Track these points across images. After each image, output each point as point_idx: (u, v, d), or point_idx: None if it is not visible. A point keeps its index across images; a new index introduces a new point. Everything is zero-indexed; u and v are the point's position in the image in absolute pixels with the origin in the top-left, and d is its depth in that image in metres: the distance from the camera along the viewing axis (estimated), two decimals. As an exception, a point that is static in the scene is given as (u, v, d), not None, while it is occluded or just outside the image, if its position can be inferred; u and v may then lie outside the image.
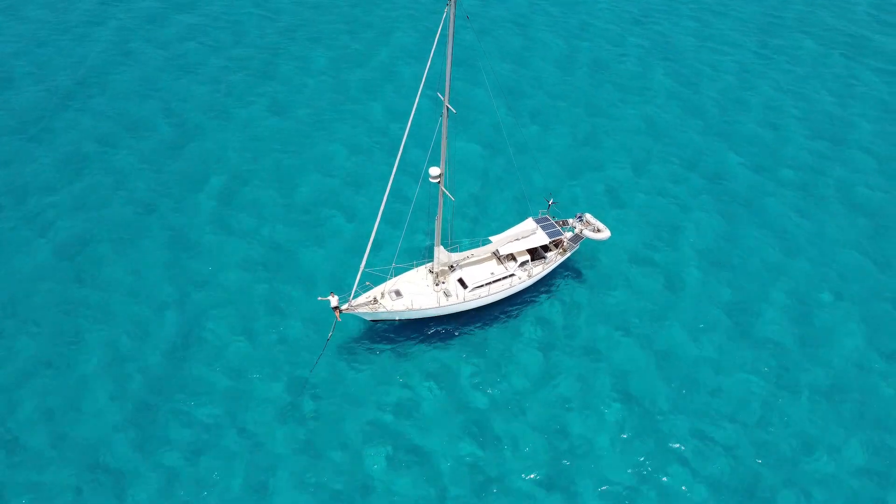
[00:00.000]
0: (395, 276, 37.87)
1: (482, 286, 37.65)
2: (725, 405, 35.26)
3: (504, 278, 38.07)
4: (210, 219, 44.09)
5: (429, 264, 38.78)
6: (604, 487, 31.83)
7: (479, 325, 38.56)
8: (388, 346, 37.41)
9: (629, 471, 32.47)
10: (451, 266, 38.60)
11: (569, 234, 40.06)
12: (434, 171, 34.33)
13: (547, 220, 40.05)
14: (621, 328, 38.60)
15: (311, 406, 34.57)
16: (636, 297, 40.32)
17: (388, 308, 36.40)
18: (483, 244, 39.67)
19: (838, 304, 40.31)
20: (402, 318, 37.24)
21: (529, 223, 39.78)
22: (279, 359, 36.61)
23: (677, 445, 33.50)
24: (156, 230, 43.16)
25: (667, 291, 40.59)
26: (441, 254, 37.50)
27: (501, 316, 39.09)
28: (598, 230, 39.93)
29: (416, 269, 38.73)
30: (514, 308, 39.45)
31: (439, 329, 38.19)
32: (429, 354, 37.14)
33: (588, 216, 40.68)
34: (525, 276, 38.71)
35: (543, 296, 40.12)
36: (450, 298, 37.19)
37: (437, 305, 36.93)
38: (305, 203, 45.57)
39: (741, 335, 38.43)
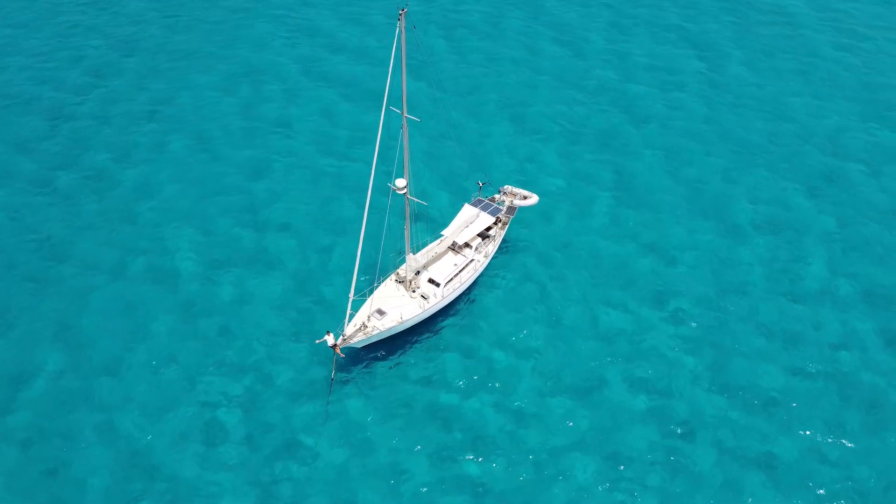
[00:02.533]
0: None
1: (452, 279, 38.99)
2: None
3: (467, 265, 39.79)
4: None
5: (392, 275, 38.95)
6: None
7: (449, 318, 39.75)
8: (388, 368, 37.22)
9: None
10: (418, 270, 39.24)
11: (504, 209, 42.81)
12: (400, 182, 34.60)
13: (481, 201, 42.31)
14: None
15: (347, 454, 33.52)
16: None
17: (382, 328, 36.22)
18: (434, 240, 40.77)
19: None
20: (393, 333, 37.26)
21: (469, 209, 41.67)
22: (282, 423, 34.65)
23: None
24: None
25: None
26: (412, 261, 37.99)
27: (461, 306, 40.66)
28: (525, 197, 43.23)
29: (383, 284, 38.67)
30: (474, 292, 41.31)
31: (418, 337, 38.65)
32: (429, 365, 37.61)
33: (509, 187, 43.65)
34: (482, 258, 40.82)
35: (492, 275, 42.45)
36: (430, 300, 37.98)
37: (423, 310, 37.57)
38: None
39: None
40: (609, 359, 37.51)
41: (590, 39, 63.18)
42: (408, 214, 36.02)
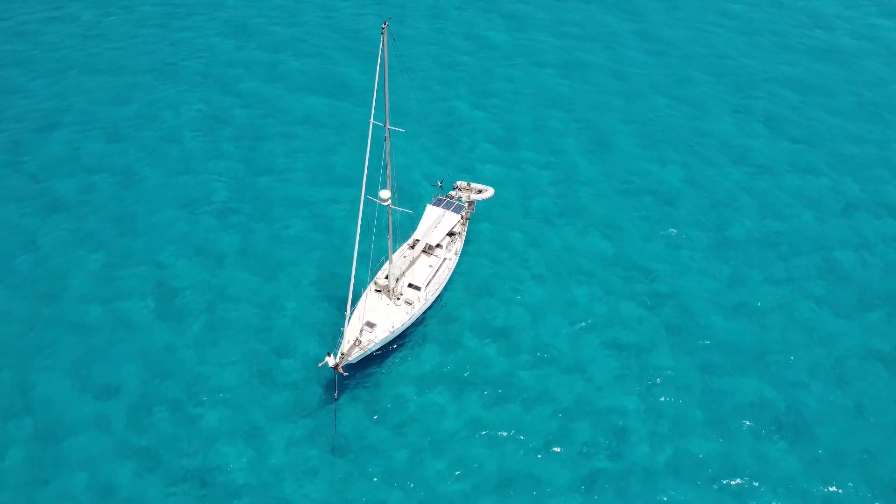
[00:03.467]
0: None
1: (431, 281, 39.44)
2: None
3: (442, 265, 40.36)
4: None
5: (370, 286, 38.71)
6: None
7: (430, 314, 40.31)
8: (382, 374, 37.19)
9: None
10: (397, 277, 39.22)
11: (465, 205, 43.56)
12: (384, 194, 34.31)
13: (442, 199, 42.80)
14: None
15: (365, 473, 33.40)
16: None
17: (377, 340, 36.12)
18: (401, 244, 40.86)
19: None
20: (386, 342, 37.26)
21: (433, 209, 42.01)
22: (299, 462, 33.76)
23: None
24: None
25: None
26: (395, 270, 37.93)
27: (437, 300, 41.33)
28: (481, 191, 44.23)
29: (364, 297, 38.34)
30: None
31: (406, 340, 38.89)
32: (423, 365, 37.99)
33: (462, 183, 44.43)
34: (453, 255, 41.53)
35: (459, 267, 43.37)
36: (415, 305, 38.25)
37: (410, 316, 37.79)
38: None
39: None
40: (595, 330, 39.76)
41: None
42: (391, 226, 35.87)
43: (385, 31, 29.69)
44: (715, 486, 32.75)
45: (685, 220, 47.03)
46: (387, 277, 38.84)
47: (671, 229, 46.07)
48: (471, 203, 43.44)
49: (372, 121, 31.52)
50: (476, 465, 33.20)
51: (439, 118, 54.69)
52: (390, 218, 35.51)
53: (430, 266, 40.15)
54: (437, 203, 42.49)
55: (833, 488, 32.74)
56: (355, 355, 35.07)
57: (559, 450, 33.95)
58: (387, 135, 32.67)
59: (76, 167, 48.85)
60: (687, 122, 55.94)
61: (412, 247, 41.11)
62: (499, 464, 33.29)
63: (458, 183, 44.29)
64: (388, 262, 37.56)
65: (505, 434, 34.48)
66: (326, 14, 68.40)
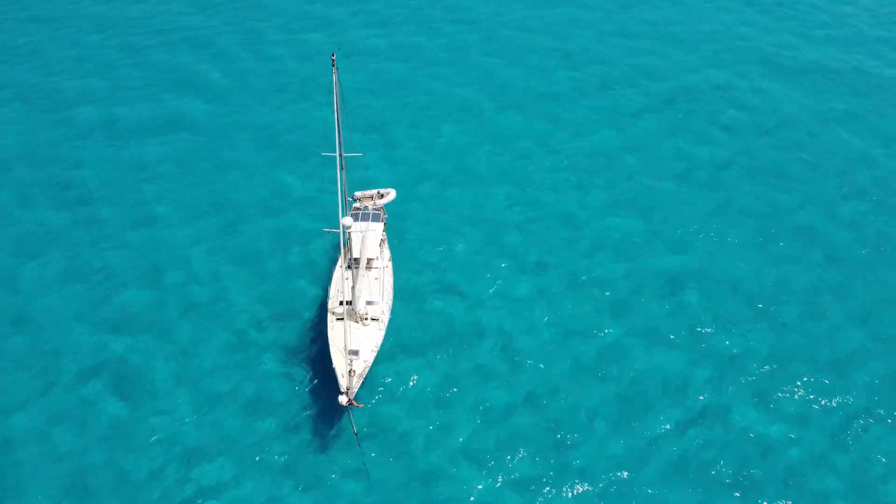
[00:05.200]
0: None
1: (384, 292, 40.36)
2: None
3: (384, 273, 41.45)
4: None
5: (330, 317, 38.53)
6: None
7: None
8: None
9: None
10: (350, 300, 39.42)
11: (381, 212, 44.50)
12: (346, 221, 34.60)
13: (357, 211, 43.39)
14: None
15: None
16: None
17: (369, 363, 36.53)
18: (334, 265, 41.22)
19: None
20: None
21: (356, 224, 42.27)
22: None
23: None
24: None
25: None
26: (357, 292, 38.19)
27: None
28: (383, 195, 45.35)
29: (330, 326, 38.09)
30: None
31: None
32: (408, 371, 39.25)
33: (360, 193, 45.16)
34: (388, 262, 42.69)
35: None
36: (381, 318, 39.00)
37: (383, 330, 38.63)
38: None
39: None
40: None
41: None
42: (350, 251, 36.18)
43: (334, 62, 30.16)
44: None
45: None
46: (341, 304, 38.98)
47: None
48: (380, 209, 44.62)
49: (339, 152, 31.76)
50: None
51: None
52: (349, 243, 35.87)
53: (376, 279, 41.01)
54: (355, 216, 43.02)
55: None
56: (357, 385, 35.18)
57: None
58: (341, 162, 33.07)
59: None
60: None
61: (349, 267, 41.47)
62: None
63: (357, 194, 45.01)
64: (335, 290, 37.99)
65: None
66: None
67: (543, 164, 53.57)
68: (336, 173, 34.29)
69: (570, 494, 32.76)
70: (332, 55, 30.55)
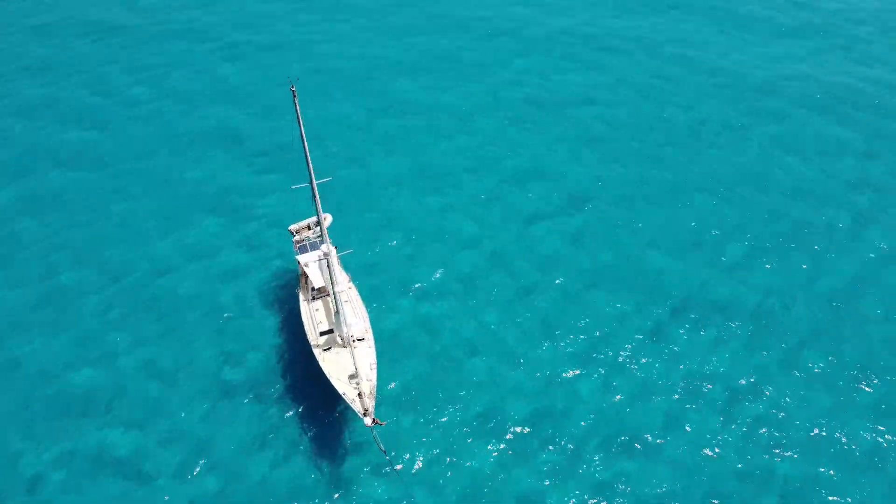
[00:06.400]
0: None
1: (357, 309, 40.33)
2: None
3: (352, 294, 41.36)
4: None
5: (318, 353, 38.07)
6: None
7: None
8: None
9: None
10: (330, 329, 39.14)
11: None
12: (325, 248, 34.35)
13: (301, 243, 42.53)
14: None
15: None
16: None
17: (374, 380, 36.62)
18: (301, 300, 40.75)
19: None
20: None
21: (310, 255, 41.59)
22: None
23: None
24: None
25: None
26: (342, 318, 37.87)
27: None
28: (318, 223, 44.61)
29: (321, 360, 37.61)
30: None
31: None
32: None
33: (294, 226, 44.21)
34: (349, 283, 42.51)
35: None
36: (366, 336, 38.98)
37: (372, 347, 38.72)
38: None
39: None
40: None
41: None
42: (332, 276, 35.77)
43: (294, 94, 29.72)
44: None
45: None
46: (322, 335, 38.64)
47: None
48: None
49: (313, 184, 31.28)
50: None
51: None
52: (332, 272, 35.56)
53: (347, 301, 40.81)
54: (308, 247, 42.32)
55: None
56: (373, 404, 35.23)
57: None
58: (314, 188, 32.68)
59: None
60: None
61: (314, 298, 40.92)
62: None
63: (292, 227, 44.04)
64: (308, 325, 38.18)
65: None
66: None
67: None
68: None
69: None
70: (292, 86, 30.03)
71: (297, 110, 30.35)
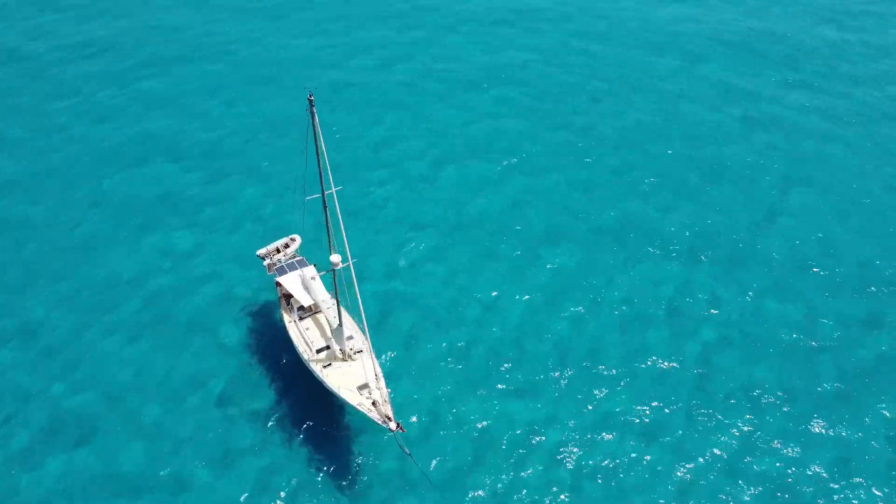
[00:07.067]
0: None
1: (347, 321, 40.22)
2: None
3: (339, 308, 41.11)
4: None
5: (319, 372, 37.61)
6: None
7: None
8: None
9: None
10: (328, 346, 38.77)
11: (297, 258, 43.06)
12: (335, 258, 34.16)
13: (282, 267, 41.54)
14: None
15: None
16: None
17: (384, 388, 36.74)
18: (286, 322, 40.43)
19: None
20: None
21: (292, 276, 40.71)
22: None
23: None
24: None
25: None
26: (340, 333, 37.63)
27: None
28: (288, 245, 43.76)
29: (324, 376, 37.15)
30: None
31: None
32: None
33: (263, 250, 43.25)
34: (333, 298, 42.11)
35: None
36: (364, 345, 38.94)
37: (372, 356, 38.77)
38: None
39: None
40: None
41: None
42: (336, 289, 35.59)
43: (311, 103, 29.65)
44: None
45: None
46: (319, 352, 38.32)
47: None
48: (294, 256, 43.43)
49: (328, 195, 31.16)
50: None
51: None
52: (336, 281, 35.39)
53: (334, 317, 40.55)
54: (287, 268, 41.46)
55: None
56: (390, 409, 35.39)
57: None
58: (324, 199, 32.62)
59: None
60: None
61: (302, 318, 40.40)
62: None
63: (260, 252, 43.01)
64: (301, 345, 38.10)
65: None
66: None
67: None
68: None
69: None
70: (310, 95, 29.84)
71: (314, 120, 30.29)
